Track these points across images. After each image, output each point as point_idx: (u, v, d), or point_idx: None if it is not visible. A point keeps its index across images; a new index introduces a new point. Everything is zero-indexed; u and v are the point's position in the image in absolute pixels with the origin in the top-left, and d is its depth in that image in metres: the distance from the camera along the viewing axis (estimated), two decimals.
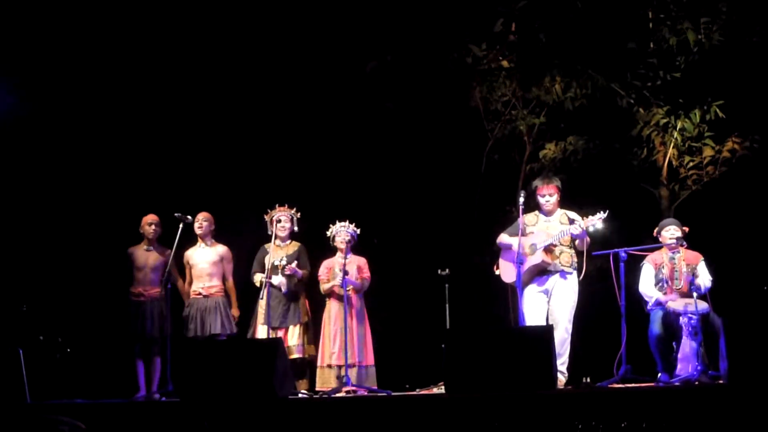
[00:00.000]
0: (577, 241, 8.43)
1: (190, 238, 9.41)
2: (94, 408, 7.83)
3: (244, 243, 9.53)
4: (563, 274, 8.44)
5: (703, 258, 8.43)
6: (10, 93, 11.01)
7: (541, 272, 8.46)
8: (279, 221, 9.23)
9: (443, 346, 7.53)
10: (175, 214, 9.13)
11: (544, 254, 8.38)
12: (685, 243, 8.45)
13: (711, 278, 8.36)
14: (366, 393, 8.58)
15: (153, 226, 9.40)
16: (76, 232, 11.43)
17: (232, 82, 11.72)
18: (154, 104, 11.67)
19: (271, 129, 11.79)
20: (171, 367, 8.89)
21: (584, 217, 8.35)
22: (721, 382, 7.53)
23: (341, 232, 9.12)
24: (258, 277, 9.12)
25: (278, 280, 9.02)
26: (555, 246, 8.42)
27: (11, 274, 10.82)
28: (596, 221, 8.22)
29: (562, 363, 8.19)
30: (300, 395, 8.63)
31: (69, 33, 11.35)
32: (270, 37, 11.71)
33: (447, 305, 9.35)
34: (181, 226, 9.09)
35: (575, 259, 8.50)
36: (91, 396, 9.46)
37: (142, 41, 11.53)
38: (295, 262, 9.14)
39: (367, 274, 9.22)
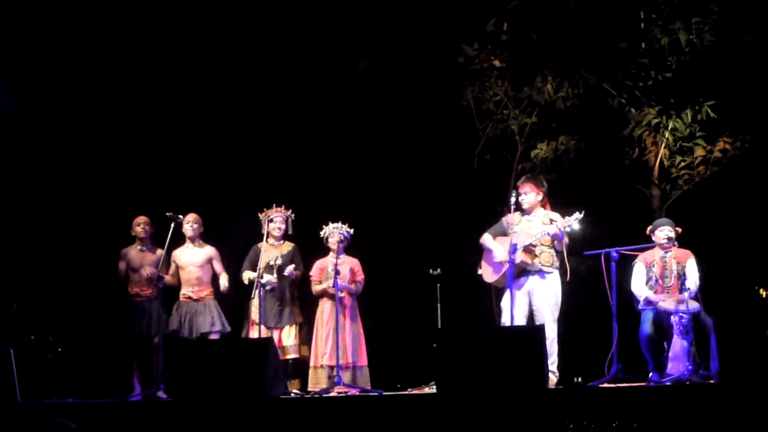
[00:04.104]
0: (555, 241, 8.45)
1: (180, 238, 9.42)
2: (85, 408, 7.81)
3: (235, 242, 9.51)
4: (542, 273, 8.46)
5: (693, 256, 8.46)
6: (9, 91, 11.00)
7: (521, 272, 8.48)
8: (274, 221, 9.24)
9: (435, 345, 7.53)
10: (167, 214, 9.13)
11: (524, 254, 8.40)
12: (676, 243, 8.48)
13: (699, 276, 8.40)
14: (357, 392, 8.57)
15: (142, 226, 9.44)
16: (67, 232, 11.40)
17: (223, 82, 11.69)
18: (145, 104, 11.63)
19: (262, 128, 11.76)
20: (163, 367, 8.88)
21: (563, 218, 8.38)
22: (711, 381, 7.55)
23: (334, 233, 9.12)
24: (247, 275, 9.12)
25: (267, 278, 9.01)
26: (534, 246, 8.45)
27: (1, 273, 10.79)
28: (572, 222, 8.24)
29: (552, 362, 8.19)
30: (292, 395, 8.63)
31: (58, 31, 11.31)
32: (262, 37, 11.68)
33: (438, 305, 9.35)
34: (172, 225, 9.09)
35: (556, 259, 8.52)
36: (82, 396, 9.44)
37: (134, 41, 11.49)
38: (292, 265, 9.13)
39: (361, 276, 9.23)
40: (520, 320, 8.40)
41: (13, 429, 5.64)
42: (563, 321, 8.57)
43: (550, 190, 8.84)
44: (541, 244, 8.47)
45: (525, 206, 8.63)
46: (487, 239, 8.74)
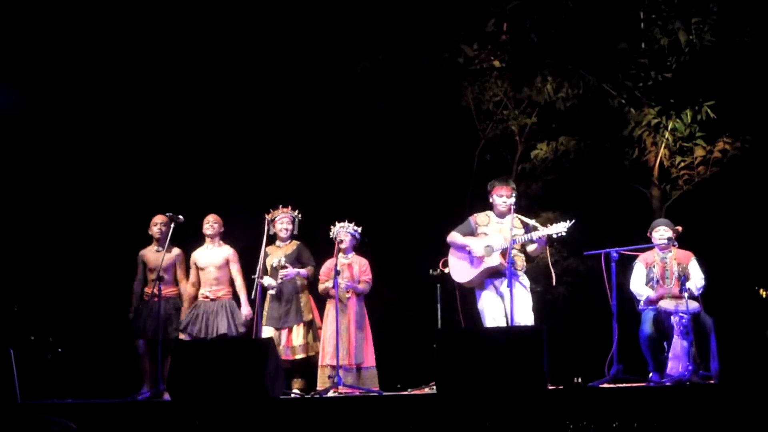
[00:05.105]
0: (534, 247, 8.35)
1: (187, 238, 9.42)
2: (85, 408, 7.81)
3: (234, 245, 9.49)
4: (516, 277, 8.42)
5: (694, 257, 8.45)
6: (12, 90, 11.01)
7: (494, 275, 8.42)
8: (280, 222, 9.22)
9: (434, 346, 7.53)
10: (166, 215, 9.14)
11: (501, 257, 8.33)
12: (676, 243, 8.47)
13: (704, 277, 8.38)
14: (358, 393, 8.57)
15: (159, 226, 9.40)
16: (67, 232, 11.41)
17: (224, 83, 11.70)
18: (153, 106, 11.66)
19: (265, 129, 11.78)
20: (161, 367, 8.88)
21: (547, 225, 8.31)
22: (711, 381, 7.55)
23: (341, 232, 9.11)
24: (266, 281, 9.09)
25: (268, 282, 9.01)
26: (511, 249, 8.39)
27: (2, 274, 10.79)
28: (561, 229, 8.14)
29: None
30: (292, 395, 8.62)
31: (73, 33, 11.34)
32: (263, 38, 11.70)
33: (438, 305, 9.33)
34: (172, 226, 9.09)
35: (525, 264, 8.48)
36: (82, 396, 9.44)
37: (141, 46, 11.54)
38: (287, 270, 9.10)
39: (368, 276, 9.20)
40: (500, 320, 8.38)
41: (13, 429, 5.64)
42: (564, 322, 8.55)
43: (551, 191, 8.83)
44: (513, 248, 8.43)
45: (503, 209, 8.50)
46: (456, 237, 8.64)
